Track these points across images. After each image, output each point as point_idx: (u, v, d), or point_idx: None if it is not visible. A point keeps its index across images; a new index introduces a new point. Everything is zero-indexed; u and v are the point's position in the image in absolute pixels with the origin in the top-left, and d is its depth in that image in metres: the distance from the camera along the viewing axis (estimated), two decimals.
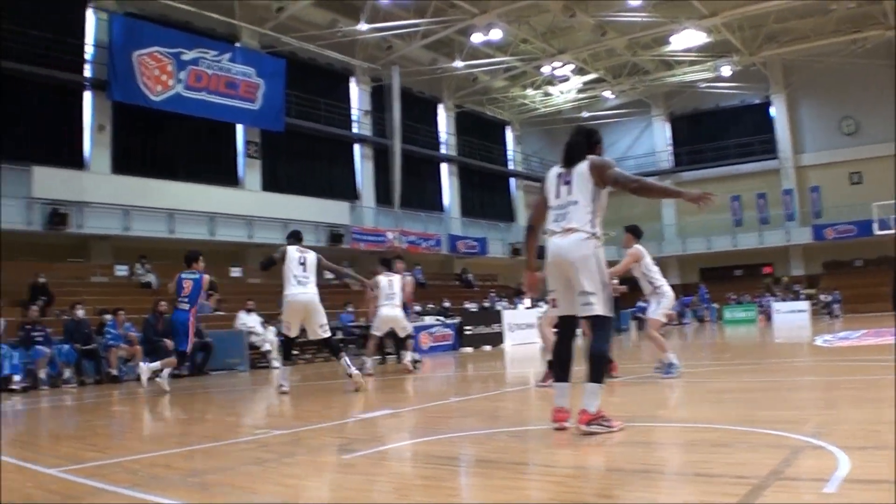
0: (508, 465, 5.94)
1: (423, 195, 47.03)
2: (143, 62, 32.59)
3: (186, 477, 6.17)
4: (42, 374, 18.93)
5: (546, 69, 47.54)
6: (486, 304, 36.97)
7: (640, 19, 41.46)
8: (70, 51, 31.53)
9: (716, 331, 35.46)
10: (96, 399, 14.96)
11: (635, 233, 12.98)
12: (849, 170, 50.28)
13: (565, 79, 49.82)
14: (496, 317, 31.76)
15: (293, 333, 14.52)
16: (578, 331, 7.49)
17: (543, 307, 21.92)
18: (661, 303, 12.56)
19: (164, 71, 33.43)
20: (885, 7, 40.83)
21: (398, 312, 18.33)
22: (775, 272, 52.02)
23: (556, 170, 7.36)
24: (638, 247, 12.75)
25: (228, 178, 36.92)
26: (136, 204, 31.71)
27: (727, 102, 54.43)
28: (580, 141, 7.43)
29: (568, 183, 7.14)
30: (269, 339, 24.59)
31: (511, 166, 55.90)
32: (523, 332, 30.69)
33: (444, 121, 50.09)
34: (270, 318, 26.28)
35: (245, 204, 36.06)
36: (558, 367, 7.23)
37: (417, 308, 29.75)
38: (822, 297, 45.27)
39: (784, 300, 45.35)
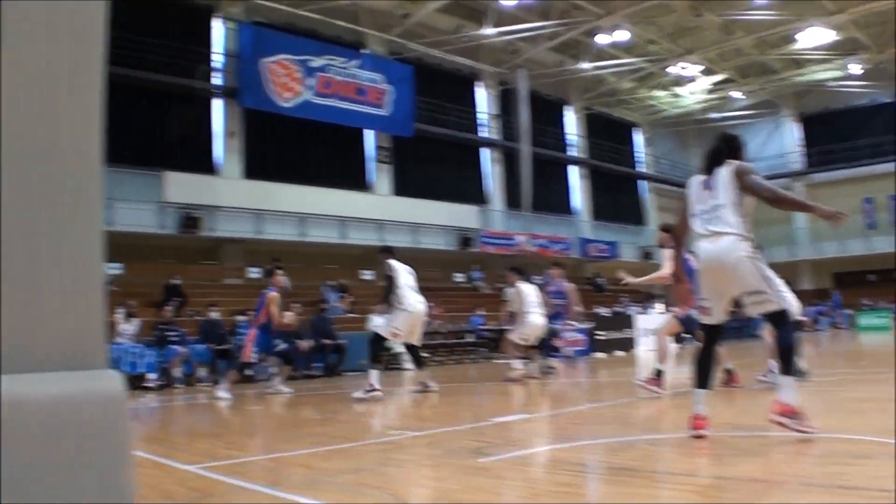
0: (646, 473, 5.76)
1: (552, 198, 46.75)
2: (271, 69, 33.07)
3: (325, 477, 6.13)
4: (177, 372, 19.34)
5: (673, 70, 46.96)
6: (618, 309, 36.62)
7: (766, 17, 40.62)
8: (200, 60, 32.23)
9: (850, 338, 34.62)
10: (231, 398, 15.10)
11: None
12: None
13: (693, 79, 49.15)
14: (628, 321, 31.38)
15: (401, 342, 14.67)
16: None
17: (651, 313, 21.77)
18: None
19: (293, 78, 33.88)
20: None
21: (545, 321, 17.87)
22: None
23: (697, 177, 7.22)
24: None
25: (359, 182, 37.19)
26: (268, 208, 32.21)
27: (857, 101, 52.66)
28: (721, 147, 7.24)
29: (710, 188, 6.98)
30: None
31: (641, 168, 55.32)
32: (669, 346, 30.35)
33: (572, 123, 49.71)
34: None
35: (375, 208, 36.32)
36: (700, 374, 7.05)
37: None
38: None
39: None
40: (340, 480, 5.95)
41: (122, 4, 27.25)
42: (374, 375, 13.55)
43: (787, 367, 6.68)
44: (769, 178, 41.36)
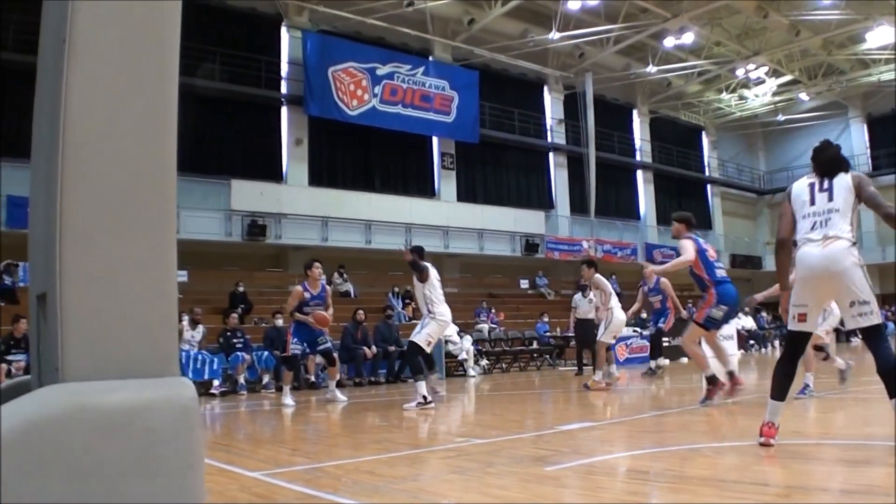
0: (716, 482, 5.71)
1: (617, 203, 46.56)
2: (338, 77, 33.27)
3: (390, 484, 6.14)
4: (241, 379, 19.45)
5: (740, 72, 46.56)
6: (684, 316, 36.28)
7: (834, 17, 40.18)
8: (267, 69, 32.49)
9: None
10: (294, 404, 15.17)
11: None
12: None
13: (760, 81, 48.73)
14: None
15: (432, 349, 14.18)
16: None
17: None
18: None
19: (360, 86, 34.05)
20: None
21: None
22: None
23: (807, 179, 7.06)
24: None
25: (424, 189, 37.31)
26: (333, 215, 32.39)
27: None
28: (839, 154, 7.15)
29: (826, 191, 6.82)
30: (465, 347, 24.68)
31: (707, 173, 54.83)
32: (722, 343, 30.01)
33: (638, 127, 49.42)
34: (467, 328, 26.44)
35: (441, 214, 36.38)
36: (781, 384, 6.91)
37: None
38: None
39: None
40: (404, 487, 5.96)
41: (190, 15, 27.54)
42: (422, 387, 13.38)
43: None
44: None
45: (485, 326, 28.26)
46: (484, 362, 25.94)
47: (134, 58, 3.22)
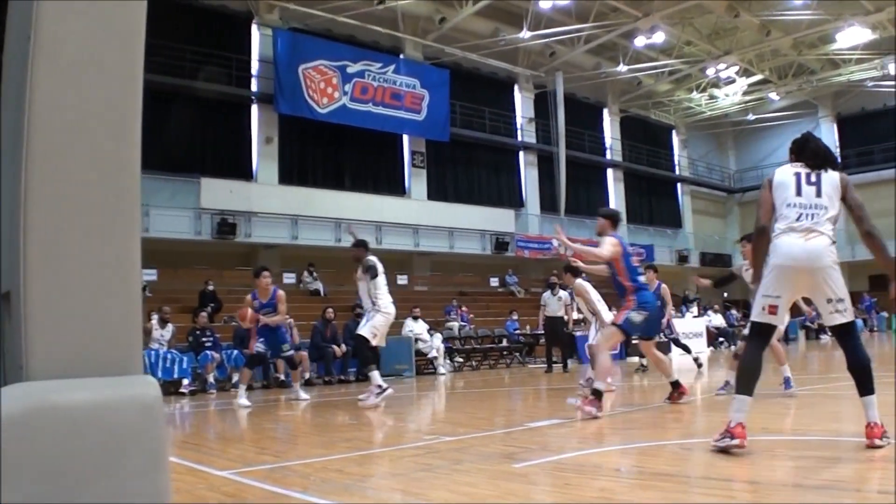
0: (684, 478, 5.77)
1: (588, 202, 46.57)
2: (308, 75, 33.22)
3: (359, 482, 6.16)
4: (210, 378, 19.38)
5: (711, 71, 46.77)
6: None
7: (804, 17, 40.42)
8: (237, 67, 32.41)
9: (884, 341, 34.40)
10: (264, 403, 15.16)
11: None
12: None
13: (730, 81, 48.96)
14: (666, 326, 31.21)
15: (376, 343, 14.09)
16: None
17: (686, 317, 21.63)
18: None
19: (330, 84, 34.01)
20: None
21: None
22: None
23: (792, 168, 6.89)
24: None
25: (394, 187, 37.31)
26: (303, 213, 32.38)
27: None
28: (826, 147, 7.10)
29: (815, 185, 6.70)
30: (435, 345, 24.69)
31: (677, 171, 55.05)
32: (691, 341, 30.00)
33: (608, 126, 49.58)
34: (437, 326, 26.47)
35: (411, 213, 36.41)
36: (749, 380, 6.62)
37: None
38: None
39: None
40: (372, 485, 5.99)
41: (160, 12, 27.46)
42: (375, 377, 13.40)
43: (872, 383, 6.39)
44: None
45: (455, 324, 28.31)
46: (454, 360, 25.97)
47: (99, 55, 3.21)
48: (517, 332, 28.95)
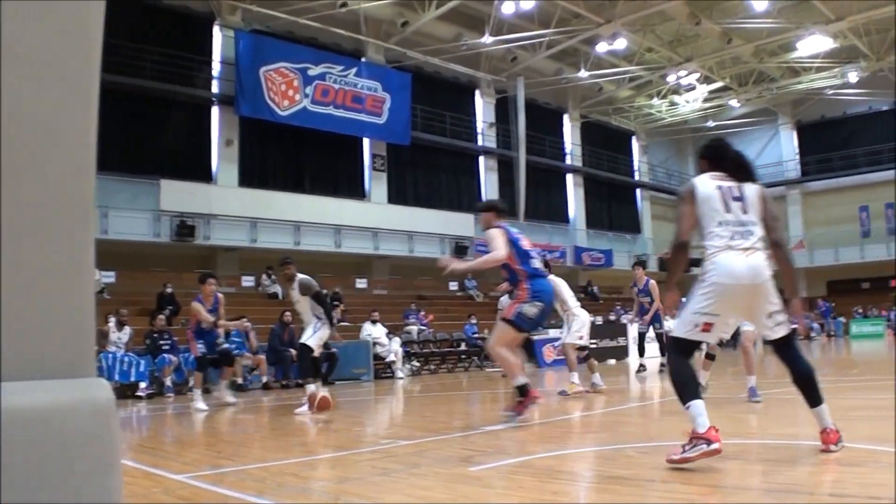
0: (639, 481, 5.77)
1: (548, 207, 46.87)
2: (269, 78, 33.16)
3: (315, 485, 6.17)
4: (168, 381, 19.30)
5: (672, 78, 47.12)
6: (612, 318, 36.56)
7: (766, 25, 40.79)
8: (198, 68, 32.33)
9: (842, 346, 34.69)
10: (221, 407, 15.11)
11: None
12: None
13: (691, 87, 49.29)
14: (622, 330, 31.34)
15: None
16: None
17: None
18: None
19: (291, 86, 33.96)
20: None
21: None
22: None
23: (713, 181, 6.58)
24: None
25: (354, 190, 37.29)
26: (263, 216, 32.30)
27: (855, 109, 52.86)
28: (746, 158, 6.88)
29: (740, 200, 6.49)
30: (393, 349, 24.70)
31: (637, 177, 55.33)
32: (649, 345, 30.16)
33: (569, 131, 49.82)
34: (395, 329, 26.48)
35: (371, 216, 36.37)
36: (691, 387, 6.36)
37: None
38: None
39: None
40: (328, 489, 5.99)
41: (121, 12, 27.44)
42: (311, 388, 13.16)
43: (819, 392, 6.36)
44: (766, 186, 41.68)
45: (413, 328, 28.33)
46: (412, 364, 25.98)
47: (53, 54, 3.21)
48: (476, 335, 28.97)
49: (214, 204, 31.25)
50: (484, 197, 42.50)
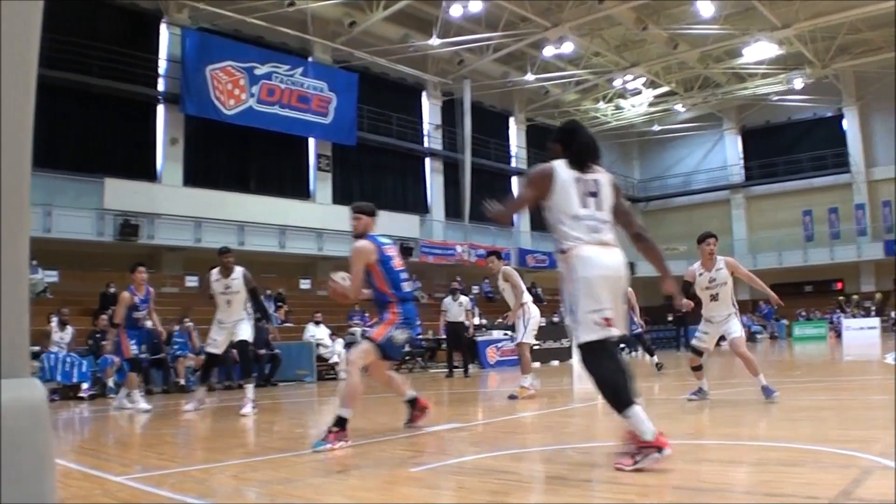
0: (578, 481, 5.84)
1: None
2: (215, 76, 33.01)
3: (253, 488, 6.21)
4: (110, 382, 19.16)
5: (618, 82, 47.55)
6: (555, 319, 36.67)
7: (712, 32, 41.16)
8: (144, 65, 32.03)
9: (785, 348, 35.06)
10: (164, 408, 15.08)
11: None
12: None
13: (637, 92, 49.70)
14: (565, 332, 31.40)
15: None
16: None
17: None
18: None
19: (237, 85, 33.83)
20: None
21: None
22: (846, 288, 50.86)
23: (568, 170, 6.37)
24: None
25: (299, 191, 37.21)
26: (208, 216, 32.17)
27: (799, 115, 53.47)
28: (597, 145, 6.68)
29: (594, 196, 6.36)
30: (337, 350, 24.68)
31: None
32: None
33: (514, 134, 50.08)
34: (339, 330, 26.45)
35: (315, 217, 36.28)
36: (626, 390, 6.05)
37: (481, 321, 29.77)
38: (893, 313, 44.45)
39: (855, 317, 44.64)
40: (269, 491, 6.02)
41: (68, 7, 27.26)
42: (251, 390, 13.34)
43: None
44: (710, 190, 41.79)
45: (357, 329, 28.26)
46: None
47: None
48: (419, 337, 29.00)
49: (159, 203, 31.03)
50: (430, 199, 42.73)
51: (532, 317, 14.74)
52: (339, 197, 38.35)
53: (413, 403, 9.88)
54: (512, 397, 13.62)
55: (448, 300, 23.09)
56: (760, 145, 55.51)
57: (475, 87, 43.01)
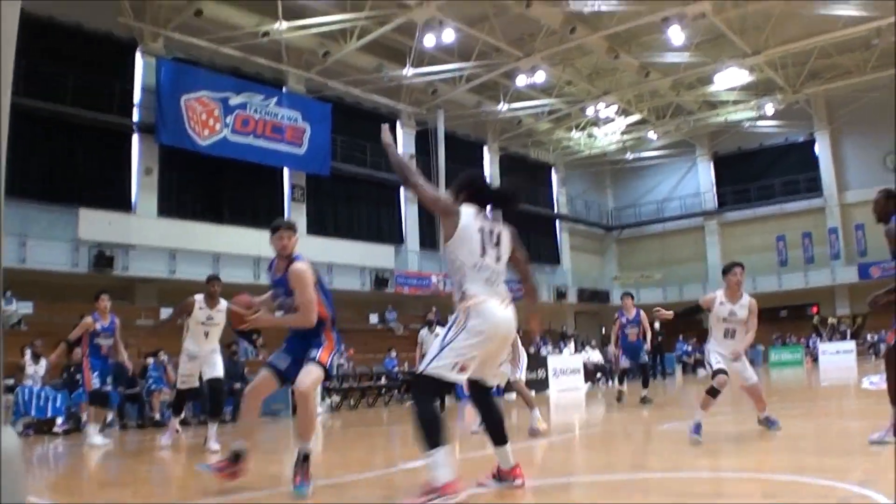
0: None
1: None
2: (190, 106, 32.99)
3: None
4: (85, 416, 18.99)
5: (590, 111, 47.72)
6: (531, 350, 36.66)
7: (683, 60, 41.52)
8: (119, 94, 31.96)
9: (761, 373, 35.17)
10: (139, 444, 14.99)
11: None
12: None
13: (609, 120, 49.92)
14: (541, 362, 31.33)
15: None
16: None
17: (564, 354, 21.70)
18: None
19: (212, 115, 33.82)
20: None
21: None
22: (821, 312, 50.93)
23: (476, 220, 6.51)
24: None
25: (273, 221, 36.97)
26: (182, 247, 32.12)
27: (771, 141, 54.16)
28: (511, 191, 7.01)
29: (496, 247, 6.51)
30: None
31: (556, 209, 55.76)
32: (568, 377, 30.37)
33: (488, 163, 50.22)
34: None
35: None
36: (438, 430, 6.13)
37: None
38: (868, 336, 44.64)
39: (830, 340, 44.86)
40: None
41: (44, 35, 27.27)
42: (213, 429, 13.04)
43: (506, 433, 6.75)
44: (684, 217, 41.99)
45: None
46: (332, 399, 25.78)
47: None
48: (396, 369, 28.94)
49: (133, 234, 30.95)
50: (405, 229, 42.76)
51: (522, 354, 14.26)
52: (314, 227, 38.39)
53: (235, 457, 8.37)
54: (534, 432, 12.77)
55: (424, 332, 22.91)
56: (733, 171, 55.98)
57: (449, 117, 43.19)
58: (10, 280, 23.19)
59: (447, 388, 6.38)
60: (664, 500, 6.12)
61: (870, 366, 32.31)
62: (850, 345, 42.12)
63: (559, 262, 54.47)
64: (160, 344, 22.10)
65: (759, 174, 54.15)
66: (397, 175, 7.00)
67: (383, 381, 28.09)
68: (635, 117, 49.93)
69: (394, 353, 29.62)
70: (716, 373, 10.34)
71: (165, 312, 29.76)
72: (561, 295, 50.13)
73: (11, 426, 3.15)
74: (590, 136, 52.90)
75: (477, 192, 6.71)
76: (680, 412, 12.73)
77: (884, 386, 9.30)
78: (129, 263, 30.56)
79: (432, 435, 6.05)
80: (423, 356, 20.62)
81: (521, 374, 14.34)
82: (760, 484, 6.46)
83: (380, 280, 38.88)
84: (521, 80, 41.67)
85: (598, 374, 35.06)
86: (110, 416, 19.14)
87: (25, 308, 26.23)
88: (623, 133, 52.70)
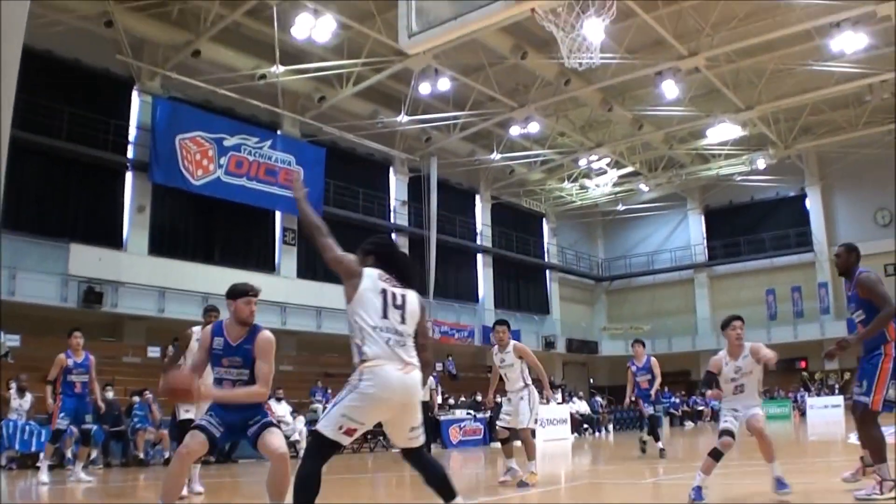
0: None
1: (457, 286, 47.17)
2: (185, 146, 33.03)
3: None
4: (69, 452, 18.91)
5: (583, 162, 47.92)
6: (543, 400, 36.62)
7: (676, 113, 41.78)
8: (114, 132, 31.98)
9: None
10: (122, 482, 14.93)
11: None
12: (884, 262, 48.65)
13: (602, 172, 50.08)
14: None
15: None
16: None
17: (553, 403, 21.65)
18: None
19: (206, 156, 33.84)
20: None
21: None
22: (809, 366, 51.03)
23: (380, 281, 6.47)
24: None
25: (264, 263, 37.13)
26: (172, 286, 32.01)
27: (762, 195, 54.39)
28: (413, 266, 6.95)
29: (400, 309, 6.40)
30: (298, 428, 24.51)
31: (546, 258, 55.88)
32: (554, 427, 30.36)
33: (480, 211, 50.31)
34: (300, 407, 26.32)
35: (280, 290, 36.00)
36: (310, 492, 6.05)
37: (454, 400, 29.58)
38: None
39: (819, 395, 44.96)
40: None
41: (41, 70, 27.39)
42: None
43: (453, 488, 6.47)
44: (674, 269, 42.15)
45: (319, 406, 28.07)
46: None
47: None
48: None
49: (123, 271, 30.85)
50: None
51: (535, 398, 13.90)
52: (304, 271, 38.32)
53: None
54: (522, 485, 12.71)
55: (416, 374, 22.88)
56: (724, 225, 56.33)
57: (442, 165, 43.31)
58: None
59: (335, 446, 6.13)
60: None
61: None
62: (838, 399, 42.17)
63: (549, 312, 54.45)
64: (146, 383, 22.06)
65: (750, 228, 54.45)
66: (306, 230, 6.95)
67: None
68: (627, 169, 50.08)
69: None
70: (722, 433, 10.10)
71: (153, 350, 29.81)
72: (549, 345, 50.12)
73: None
74: (582, 187, 52.95)
75: (382, 258, 6.71)
76: (669, 465, 12.70)
77: None
78: (118, 300, 30.44)
79: (298, 495, 6.02)
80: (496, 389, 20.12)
81: (530, 423, 13.97)
82: None
83: None
84: (515, 130, 41.84)
85: (585, 425, 35.05)
86: (94, 454, 19.10)
87: (13, 341, 26.14)
88: (615, 185, 52.72)
